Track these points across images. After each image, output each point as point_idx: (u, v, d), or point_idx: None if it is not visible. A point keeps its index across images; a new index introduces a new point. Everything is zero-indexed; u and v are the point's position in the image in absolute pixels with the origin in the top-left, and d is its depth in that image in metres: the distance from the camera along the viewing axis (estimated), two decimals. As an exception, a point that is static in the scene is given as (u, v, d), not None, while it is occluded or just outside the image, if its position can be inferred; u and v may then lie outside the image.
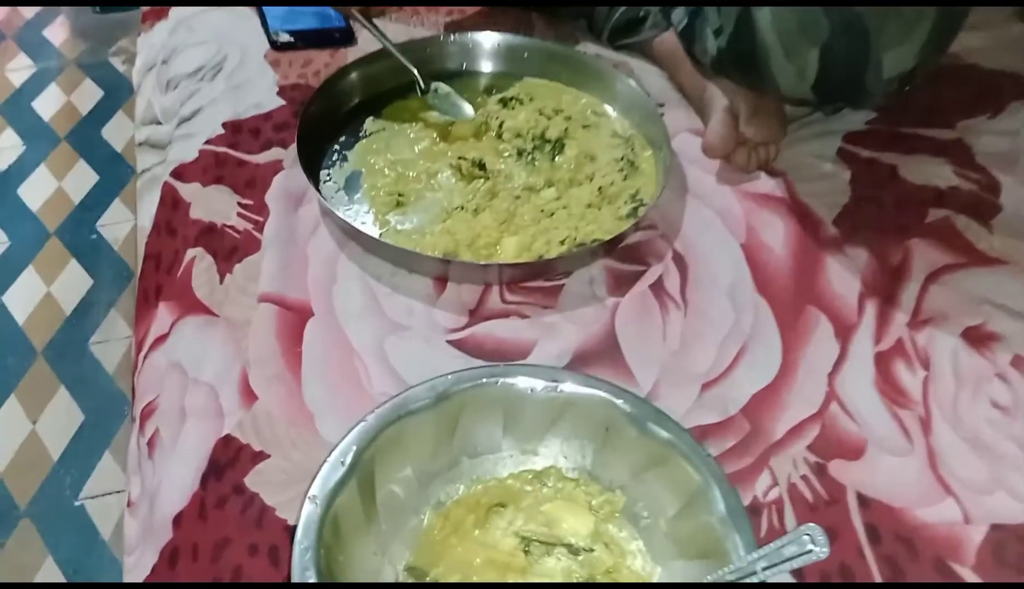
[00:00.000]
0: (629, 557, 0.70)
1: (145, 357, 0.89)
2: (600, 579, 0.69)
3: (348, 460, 0.65)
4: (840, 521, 0.73)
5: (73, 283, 1.98)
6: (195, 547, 0.72)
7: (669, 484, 0.69)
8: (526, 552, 0.69)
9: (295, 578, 0.59)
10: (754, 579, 0.60)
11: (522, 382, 0.72)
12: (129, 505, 0.81)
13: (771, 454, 0.78)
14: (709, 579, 0.62)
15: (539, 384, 0.72)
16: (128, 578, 0.75)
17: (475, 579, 0.68)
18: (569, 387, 0.72)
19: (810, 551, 0.59)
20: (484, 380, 0.72)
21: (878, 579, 0.70)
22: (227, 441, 0.78)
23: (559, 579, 0.68)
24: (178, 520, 0.74)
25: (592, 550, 0.70)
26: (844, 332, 0.86)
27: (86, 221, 2.13)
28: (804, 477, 0.76)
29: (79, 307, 1.94)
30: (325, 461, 0.65)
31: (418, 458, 0.71)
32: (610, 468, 0.73)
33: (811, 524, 0.61)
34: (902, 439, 0.79)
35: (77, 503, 1.62)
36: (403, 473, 0.70)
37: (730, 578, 0.61)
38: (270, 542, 0.71)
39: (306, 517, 0.62)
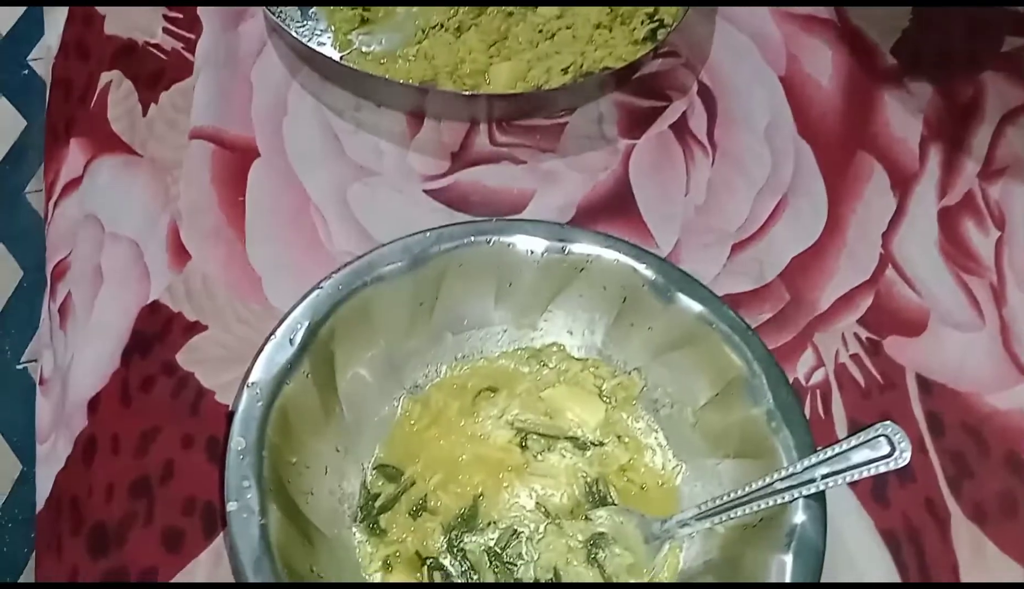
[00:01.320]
0: (647, 453, 0.58)
1: (55, 205, 0.72)
2: (613, 478, 0.56)
3: (298, 338, 0.51)
4: (897, 409, 0.61)
5: (3, 126, 1.77)
6: (115, 438, 0.59)
7: (700, 367, 0.56)
8: (523, 446, 0.57)
9: (229, 491, 0.46)
10: (811, 489, 0.48)
11: (520, 242, 0.58)
12: (41, 383, 0.67)
13: (815, 329, 0.65)
14: (753, 486, 0.50)
15: (540, 244, 0.58)
16: (41, 470, 0.62)
17: (461, 478, 0.56)
18: (578, 247, 0.58)
19: (886, 457, 0.47)
20: (472, 238, 0.57)
21: (941, 478, 0.59)
22: (154, 309, 0.63)
23: (563, 478, 0.56)
24: (94, 405, 0.60)
25: (602, 444, 0.57)
26: (902, 184, 0.72)
27: (15, 56, 1.90)
28: (854, 356, 0.64)
29: (12, 152, 1.74)
30: (268, 340, 0.51)
31: (390, 334, 0.57)
32: (626, 347, 0.59)
33: (888, 422, 0.48)
34: (970, 311, 0.66)
35: (19, 367, 1.49)
36: (371, 352, 0.56)
37: (782, 486, 0.49)
38: (208, 433, 0.58)
39: (244, 412, 0.48)
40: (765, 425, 0.52)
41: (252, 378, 0.49)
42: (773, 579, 0.47)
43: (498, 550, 0.53)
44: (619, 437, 0.58)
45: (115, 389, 0.61)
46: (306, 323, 0.52)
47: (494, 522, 0.54)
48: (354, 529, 0.54)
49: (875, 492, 0.58)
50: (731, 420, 0.54)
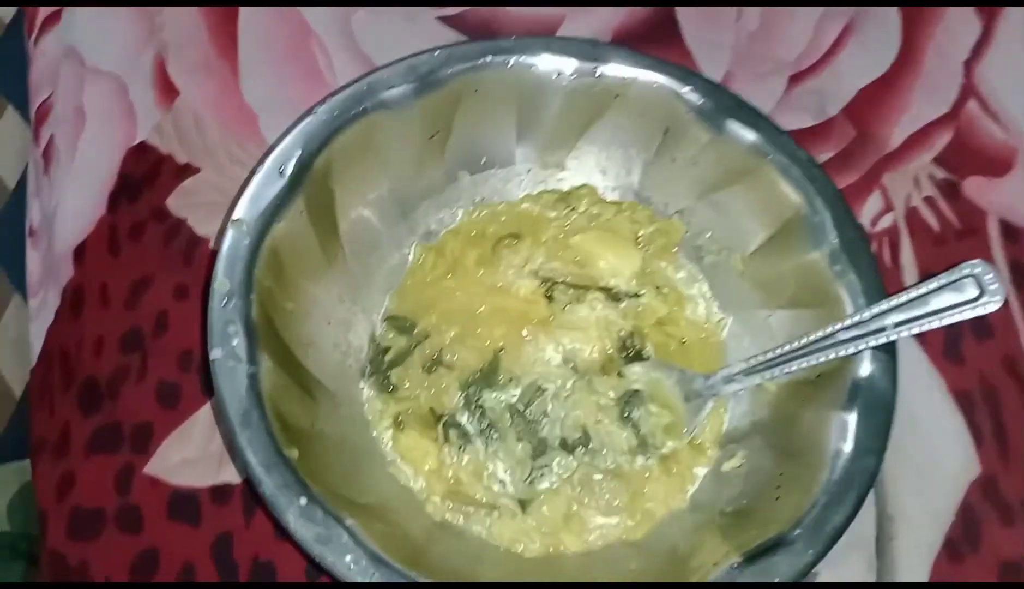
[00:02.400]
0: (689, 304, 0.52)
1: (36, 42, 0.66)
2: (649, 332, 0.50)
3: (289, 170, 0.45)
4: (976, 258, 0.54)
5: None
6: (104, 288, 0.54)
7: (753, 207, 0.49)
8: (548, 298, 0.51)
9: (212, 337, 0.41)
10: (881, 339, 0.42)
11: (545, 62, 0.50)
12: (31, 234, 0.62)
13: (884, 169, 0.57)
14: (811, 337, 0.44)
15: (569, 64, 0.50)
16: (33, 326, 0.57)
17: (479, 332, 0.50)
18: (613, 69, 0.50)
19: (972, 301, 0.40)
20: (489, 58, 0.49)
21: (1023, 334, 0.52)
22: (141, 151, 0.57)
23: (593, 332, 0.50)
24: (80, 253, 0.55)
25: (638, 295, 0.51)
26: (989, 6, 0.62)
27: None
28: (928, 199, 0.56)
29: None
30: (254, 172, 0.45)
31: (398, 171, 0.50)
32: (667, 187, 0.52)
33: (977, 261, 0.41)
34: (1064, 149, 0.57)
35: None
36: (376, 192, 0.50)
37: (846, 335, 0.42)
38: (202, 282, 0.53)
39: (229, 250, 0.43)
40: (827, 269, 0.45)
41: (237, 214, 0.43)
42: (833, 441, 0.41)
43: (520, 407, 0.48)
44: (657, 288, 0.51)
45: (102, 237, 0.55)
46: (298, 153, 0.45)
47: (516, 378, 0.49)
48: (362, 385, 0.49)
49: (948, 348, 0.52)
50: (786, 266, 0.48)
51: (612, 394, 0.48)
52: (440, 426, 0.47)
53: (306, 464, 0.39)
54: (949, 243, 0.55)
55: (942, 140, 0.58)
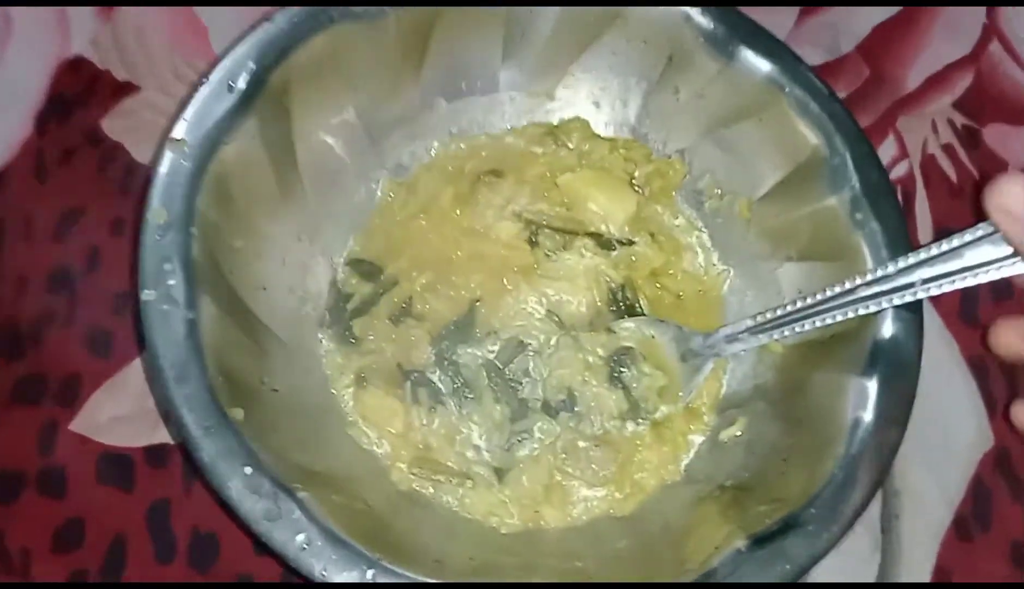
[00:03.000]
0: (687, 254, 0.47)
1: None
2: (642, 284, 0.45)
3: (241, 84, 0.38)
4: (996, 213, 0.49)
5: None
6: (28, 220, 0.47)
7: (764, 146, 0.44)
8: (532, 243, 0.46)
9: (144, 276, 0.34)
10: (907, 296, 0.37)
11: (537, -26, 0.44)
12: (-52, 159, 0.55)
13: (899, 112, 0.53)
14: (827, 293, 0.39)
15: (563, -22, 0.44)
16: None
17: (454, 279, 0.44)
18: (612, -15, 0.44)
19: (1011, 257, 0.35)
20: (474, -34, 0.43)
21: (1044, 296, 0.48)
22: (75, 66, 0.51)
23: (581, 282, 0.45)
24: (3, 180, 0.49)
25: (632, 243, 0.46)
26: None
27: None
28: (947, 147, 0.52)
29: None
30: (199, 85, 0.38)
31: (366, 93, 0.44)
32: (667, 122, 0.47)
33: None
34: (1093, 97, 0.53)
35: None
36: (341, 116, 0.44)
37: (867, 292, 0.38)
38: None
39: (166, 176, 0.36)
40: (846, 217, 0.40)
41: (177, 133, 0.37)
42: (850, 409, 0.37)
43: (499, 364, 0.43)
44: (652, 235, 0.46)
45: (27, 162, 0.49)
46: (251, 66, 0.39)
47: (494, 332, 0.44)
48: (320, 336, 0.43)
49: (963, 310, 0.48)
50: (799, 213, 0.43)
51: (601, 352, 0.44)
52: (408, 384, 0.42)
53: (252, 426, 0.34)
54: (967, 194, 0.50)
55: (963, 83, 0.53)
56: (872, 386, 0.37)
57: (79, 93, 0.50)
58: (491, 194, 0.46)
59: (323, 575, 0.31)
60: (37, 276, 0.46)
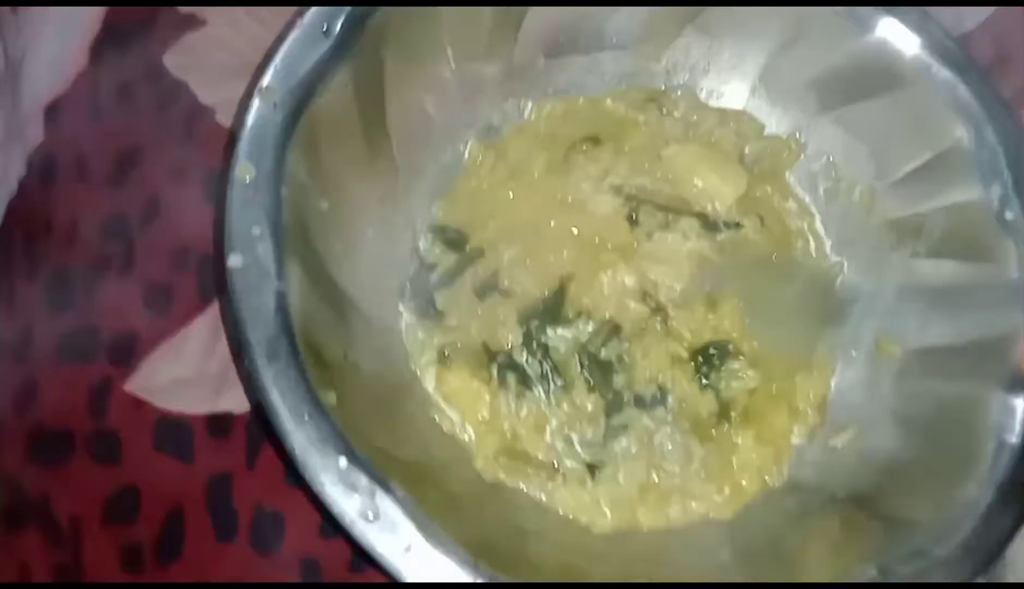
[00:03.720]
0: (798, 242, 0.43)
1: None
2: (746, 268, 0.42)
3: (336, 28, 0.35)
4: None
5: None
6: (81, 159, 0.44)
7: (897, 129, 0.40)
8: (631, 221, 0.42)
9: (231, 239, 0.31)
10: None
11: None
12: (-9, 86, 0.51)
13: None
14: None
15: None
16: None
17: (545, 254, 0.41)
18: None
19: None
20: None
21: None
22: (134, -9, 0.46)
23: (684, 267, 0.41)
24: (53, 113, 0.45)
25: (739, 226, 0.42)
26: None
27: None
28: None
29: None
30: (291, 28, 0.34)
31: (463, 45, 0.40)
32: (786, 94, 0.43)
33: None
34: None
35: None
36: (435, 70, 0.40)
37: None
38: (206, 163, 0.43)
39: (255, 127, 0.33)
40: (993, 216, 0.37)
41: (267, 80, 0.33)
42: (994, 428, 0.34)
43: (592, 349, 0.40)
44: (761, 218, 0.43)
45: (81, 95, 0.45)
46: (347, 8, 0.35)
47: (587, 313, 0.40)
48: (401, 308, 0.40)
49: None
50: (932, 206, 0.39)
51: (688, 340, 0.40)
52: (495, 367, 0.39)
53: (344, 411, 0.30)
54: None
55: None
56: (1020, 405, 0.34)
57: (139, 23, 0.46)
58: (588, 163, 0.42)
59: (425, 581, 0.28)
60: (90, 221, 0.43)
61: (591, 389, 0.39)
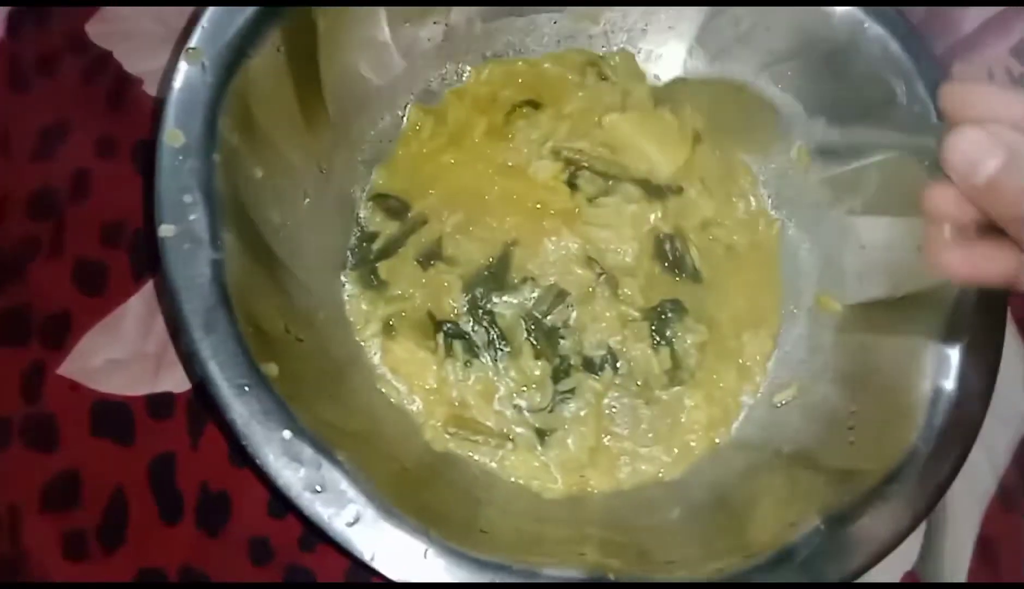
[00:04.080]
0: (739, 202, 0.43)
1: None
2: (692, 235, 0.42)
3: (265, -13, 0.33)
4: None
5: None
6: (5, 134, 0.42)
7: (833, 82, 0.40)
8: (572, 186, 0.42)
9: (162, 208, 0.30)
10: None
11: None
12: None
13: (954, 57, 0.49)
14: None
15: None
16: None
17: (488, 220, 0.41)
18: None
19: None
20: None
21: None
22: (53, -43, 0.44)
23: (627, 232, 0.41)
24: (-28, 88, 0.43)
25: (682, 190, 0.42)
26: None
27: None
28: (1006, 97, 0.48)
29: None
30: (218, -15, 0.33)
31: (395, 10, 0.39)
32: (721, 55, 0.43)
33: None
34: None
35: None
36: (370, 32, 0.39)
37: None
38: (135, 135, 0.42)
39: (183, 91, 0.31)
40: (924, 169, 0.37)
41: (194, 41, 0.32)
42: (929, 378, 0.34)
43: (538, 315, 0.39)
44: (702, 181, 0.43)
45: (1, 69, 0.43)
46: (276, -32, 0.34)
47: (532, 279, 0.40)
48: (343, 279, 0.39)
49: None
50: (867, 161, 0.39)
51: (640, 303, 0.40)
52: (440, 336, 0.38)
53: (285, 382, 0.30)
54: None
55: (1022, 27, 0.50)
56: (954, 354, 0.34)
57: (59, -12, 0.44)
58: (528, 128, 0.42)
59: (374, 557, 0.28)
60: (16, 199, 0.41)
61: (538, 355, 0.39)
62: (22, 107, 0.42)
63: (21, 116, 0.42)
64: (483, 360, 0.38)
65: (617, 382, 0.39)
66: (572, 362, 0.39)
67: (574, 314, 0.40)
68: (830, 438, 0.36)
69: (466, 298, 0.39)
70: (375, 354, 0.38)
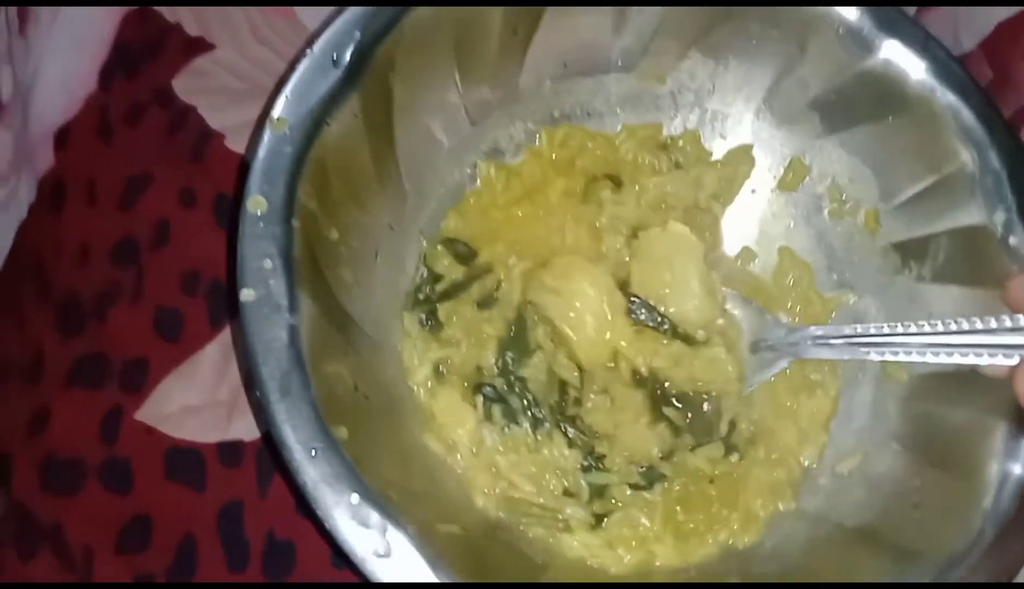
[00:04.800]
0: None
1: None
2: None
3: (346, 58, 0.35)
4: None
5: None
6: (91, 184, 0.44)
7: (901, 151, 0.40)
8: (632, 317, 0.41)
9: (244, 273, 0.31)
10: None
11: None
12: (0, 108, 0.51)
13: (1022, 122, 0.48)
14: (961, 323, 0.35)
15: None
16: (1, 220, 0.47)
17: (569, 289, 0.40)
18: (748, -36, 0.40)
19: None
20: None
21: None
22: (144, 17, 0.47)
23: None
24: (63, 138, 0.45)
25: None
26: None
27: None
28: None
29: None
30: (300, 57, 0.35)
31: (470, 71, 0.40)
32: (790, 117, 0.43)
33: None
34: None
35: None
36: (443, 95, 0.40)
37: (1010, 340, 0.33)
38: (215, 188, 0.43)
39: (266, 159, 0.33)
40: (998, 241, 0.37)
41: (278, 111, 0.33)
42: (998, 458, 0.34)
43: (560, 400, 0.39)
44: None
45: (91, 119, 0.45)
46: (357, 37, 0.35)
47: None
48: (404, 319, 0.39)
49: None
50: (936, 229, 0.39)
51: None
52: (480, 398, 0.38)
53: (355, 444, 0.31)
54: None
55: (1099, 90, 0.49)
56: (1024, 435, 0.34)
57: (147, 46, 0.46)
58: (610, 204, 0.42)
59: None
60: (100, 246, 0.43)
61: (570, 445, 0.38)
62: (109, 158, 0.44)
63: (108, 166, 0.44)
64: (523, 427, 0.38)
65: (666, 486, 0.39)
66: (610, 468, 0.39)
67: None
68: (894, 513, 0.36)
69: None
70: (423, 396, 0.38)
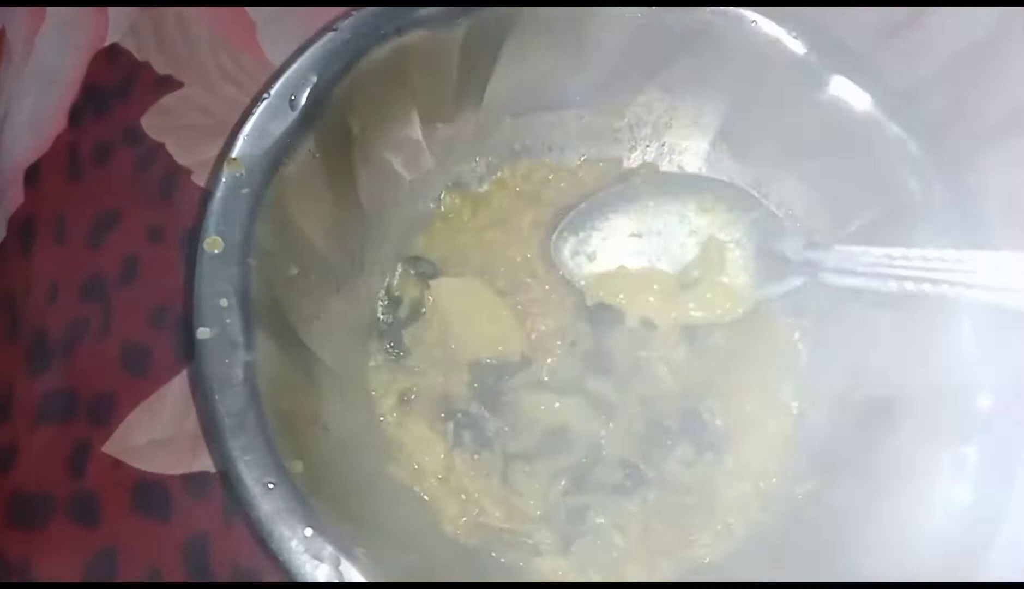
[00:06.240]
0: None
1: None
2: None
3: (302, 100, 0.36)
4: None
5: None
6: (61, 221, 0.45)
7: (852, 183, 0.41)
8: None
9: (200, 312, 0.32)
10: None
11: (622, -15, 0.41)
12: (-28, 146, 0.52)
13: (977, 151, 0.49)
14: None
15: (642, -8, 0.41)
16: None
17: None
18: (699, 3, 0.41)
19: None
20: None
21: None
22: (112, 56, 0.48)
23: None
24: (33, 175, 0.46)
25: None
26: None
27: None
28: (1034, 188, 0.48)
29: None
30: (258, 100, 0.35)
31: (429, 106, 0.41)
32: (746, 150, 0.44)
33: None
34: None
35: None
36: (403, 131, 0.41)
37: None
38: (182, 224, 0.44)
39: (223, 200, 0.34)
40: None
41: (236, 152, 0.34)
42: (944, 481, 0.34)
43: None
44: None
45: (60, 157, 0.46)
46: (314, 79, 0.36)
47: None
48: (370, 348, 0.40)
49: None
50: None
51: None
52: (451, 425, 0.39)
53: (311, 477, 0.31)
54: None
55: (1051, 117, 0.50)
56: (971, 454, 0.34)
57: (116, 85, 0.47)
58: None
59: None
60: (69, 283, 0.43)
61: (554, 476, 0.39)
62: (78, 195, 0.45)
63: (77, 203, 0.45)
64: (495, 451, 0.39)
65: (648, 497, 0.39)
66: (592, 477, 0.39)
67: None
68: (850, 539, 0.36)
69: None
70: (391, 429, 0.39)
